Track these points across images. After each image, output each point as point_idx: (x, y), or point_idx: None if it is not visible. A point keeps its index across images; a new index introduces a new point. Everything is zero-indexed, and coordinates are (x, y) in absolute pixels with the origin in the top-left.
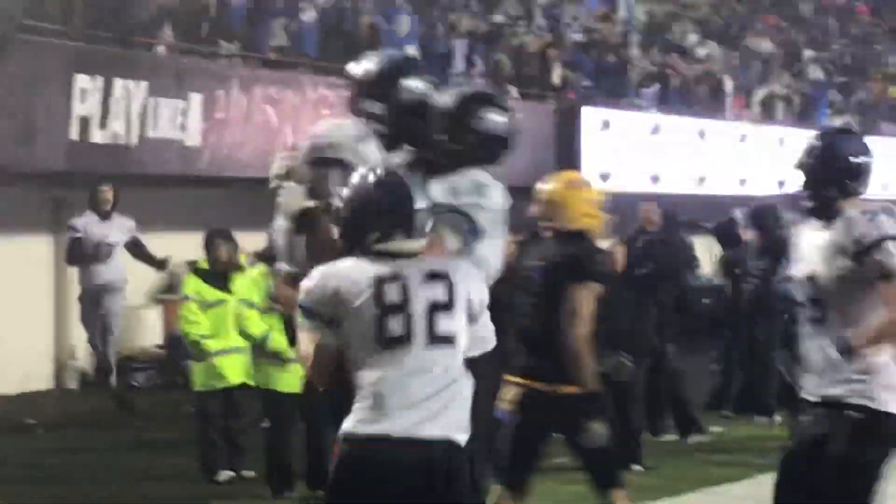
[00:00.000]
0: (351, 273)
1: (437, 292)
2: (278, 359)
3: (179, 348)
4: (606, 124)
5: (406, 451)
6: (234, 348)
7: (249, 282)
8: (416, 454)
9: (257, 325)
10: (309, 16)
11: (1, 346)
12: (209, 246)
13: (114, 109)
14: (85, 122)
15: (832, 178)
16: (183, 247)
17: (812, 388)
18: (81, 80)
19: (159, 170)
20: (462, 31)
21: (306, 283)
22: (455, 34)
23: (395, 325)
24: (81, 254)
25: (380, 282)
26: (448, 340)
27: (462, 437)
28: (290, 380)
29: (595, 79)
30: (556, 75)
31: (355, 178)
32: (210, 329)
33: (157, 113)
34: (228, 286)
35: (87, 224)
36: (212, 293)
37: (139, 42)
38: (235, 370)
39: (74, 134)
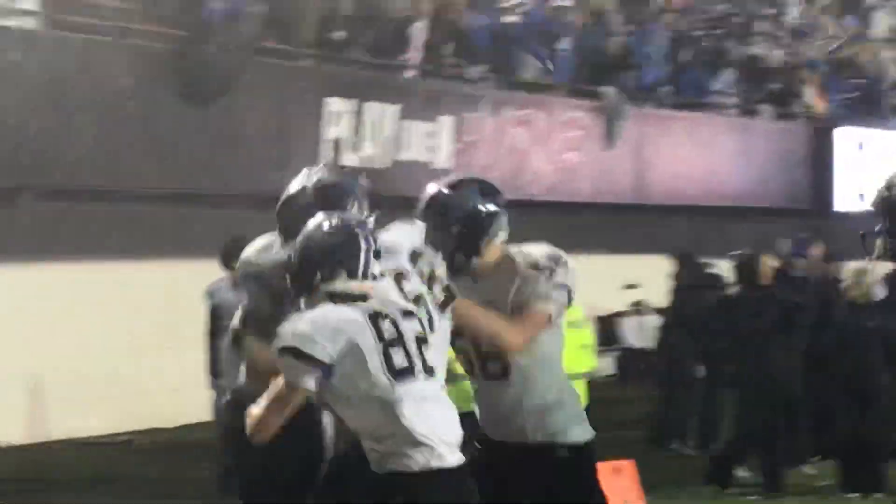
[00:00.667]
0: (343, 313)
1: (416, 326)
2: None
3: None
4: (861, 144)
5: (445, 483)
6: None
7: None
8: (452, 483)
9: None
10: (564, 40)
11: None
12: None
13: (365, 132)
14: (337, 145)
15: (454, 238)
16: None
17: (495, 430)
18: (333, 104)
19: (410, 192)
20: (714, 52)
21: (299, 326)
22: (706, 56)
23: (398, 357)
24: (218, 326)
25: (374, 318)
26: (434, 371)
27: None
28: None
29: (849, 98)
30: (809, 96)
31: (309, 223)
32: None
33: (409, 135)
34: None
35: (219, 290)
36: None
37: (390, 65)
38: None
39: (326, 157)
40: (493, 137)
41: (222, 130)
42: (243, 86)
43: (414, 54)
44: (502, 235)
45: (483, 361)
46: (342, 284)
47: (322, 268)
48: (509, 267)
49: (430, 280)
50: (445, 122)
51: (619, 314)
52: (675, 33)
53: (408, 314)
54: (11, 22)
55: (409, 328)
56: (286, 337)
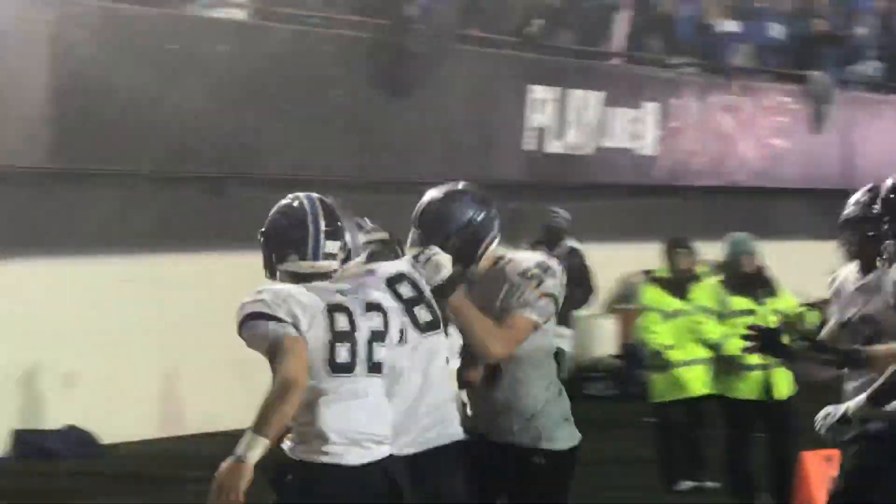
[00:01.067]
0: (302, 294)
1: (376, 322)
2: (736, 365)
3: (635, 358)
4: None
5: (351, 479)
6: (696, 359)
7: (707, 290)
8: (360, 481)
9: (714, 330)
10: (775, 30)
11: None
12: (669, 255)
13: (569, 119)
14: (540, 133)
15: (452, 250)
16: (635, 256)
17: (482, 424)
18: (537, 91)
19: (614, 179)
20: None
21: (259, 297)
22: None
23: (342, 353)
24: None
25: (331, 310)
26: (380, 368)
27: (388, 451)
28: (749, 387)
29: None
30: None
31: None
32: (671, 339)
33: (612, 122)
34: (687, 295)
35: None
36: (672, 303)
37: (594, 52)
38: (697, 381)
39: (530, 144)
40: (699, 123)
41: (426, 119)
42: (446, 74)
43: (618, 40)
44: (496, 242)
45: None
46: (293, 265)
47: (273, 250)
48: (499, 273)
49: (413, 302)
50: (650, 109)
51: (826, 301)
52: (885, 14)
53: (372, 307)
54: (220, 13)
55: (366, 324)
56: (247, 307)
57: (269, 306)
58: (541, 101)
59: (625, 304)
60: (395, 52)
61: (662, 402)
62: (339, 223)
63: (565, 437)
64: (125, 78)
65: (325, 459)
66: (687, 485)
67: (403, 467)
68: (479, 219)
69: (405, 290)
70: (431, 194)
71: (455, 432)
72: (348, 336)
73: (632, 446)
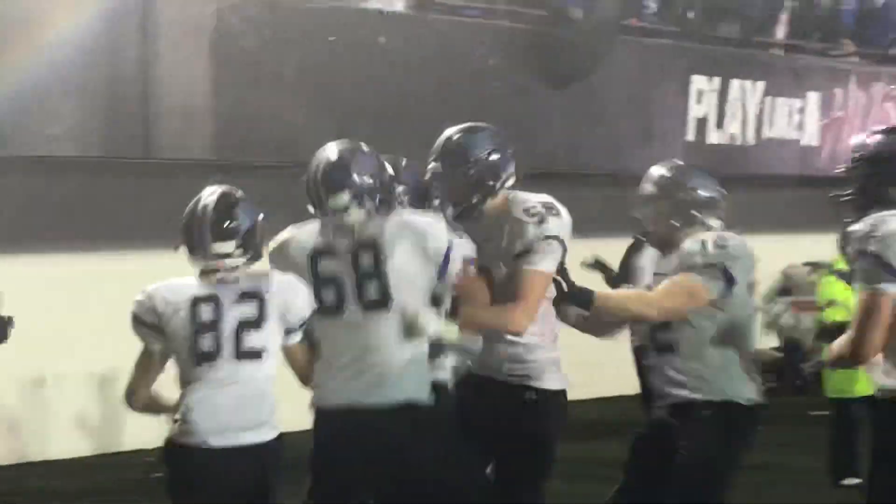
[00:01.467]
0: (171, 290)
1: (248, 310)
2: None
3: (797, 352)
4: None
5: (217, 459)
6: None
7: None
8: (226, 461)
9: None
10: None
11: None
12: (846, 247)
13: (730, 110)
14: (701, 123)
15: (471, 180)
16: (798, 249)
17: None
18: (698, 81)
19: (776, 170)
20: None
21: (139, 299)
22: None
23: (206, 342)
24: None
25: (195, 302)
26: (256, 354)
27: (269, 435)
28: None
29: None
30: None
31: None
32: None
33: (774, 112)
34: None
35: None
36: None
37: (755, 42)
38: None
39: (691, 135)
40: (862, 113)
41: (586, 110)
42: (607, 65)
43: (779, 30)
44: (511, 180)
45: None
46: (191, 262)
47: (184, 245)
48: (505, 211)
49: (367, 276)
50: (812, 99)
51: None
52: None
53: (246, 296)
54: (379, 4)
55: (235, 313)
56: (132, 306)
57: (142, 310)
58: (702, 92)
59: (785, 296)
60: (555, 43)
61: (842, 399)
62: (232, 222)
63: (554, 379)
64: (285, 69)
65: (185, 440)
66: (853, 480)
67: (275, 456)
68: (499, 154)
69: (365, 260)
70: (454, 129)
71: (400, 394)
72: (212, 326)
73: (795, 439)
